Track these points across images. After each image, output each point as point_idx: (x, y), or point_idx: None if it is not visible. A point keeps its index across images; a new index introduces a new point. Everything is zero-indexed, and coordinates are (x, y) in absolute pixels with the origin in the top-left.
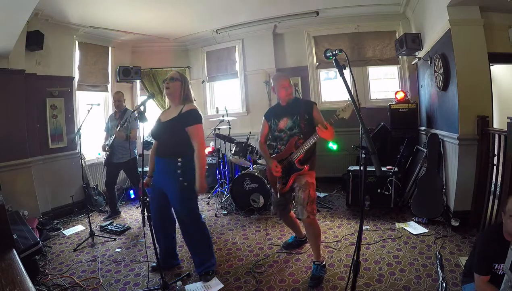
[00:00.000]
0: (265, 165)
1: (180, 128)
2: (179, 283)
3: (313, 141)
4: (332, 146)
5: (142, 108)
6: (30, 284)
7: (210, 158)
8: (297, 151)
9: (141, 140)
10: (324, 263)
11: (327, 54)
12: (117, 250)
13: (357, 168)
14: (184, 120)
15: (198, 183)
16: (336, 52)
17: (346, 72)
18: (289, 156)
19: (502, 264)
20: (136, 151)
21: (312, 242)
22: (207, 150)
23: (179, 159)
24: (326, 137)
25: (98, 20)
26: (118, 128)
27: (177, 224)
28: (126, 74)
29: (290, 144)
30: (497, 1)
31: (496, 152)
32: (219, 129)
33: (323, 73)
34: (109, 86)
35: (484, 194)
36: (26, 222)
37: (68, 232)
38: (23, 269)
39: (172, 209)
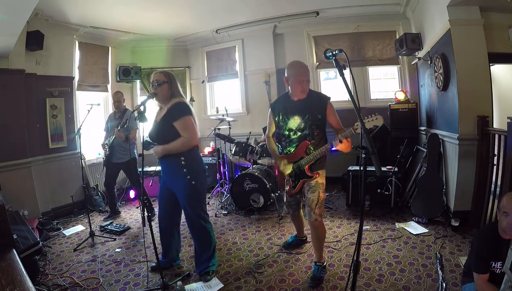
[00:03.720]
0: (265, 164)
1: (169, 126)
2: (179, 283)
3: (325, 151)
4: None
5: (142, 108)
6: (30, 284)
7: (210, 158)
8: (308, 157)
9: (141, 141)
10: (325, 264)
11: (327, 54)
12: (117, 250)
13: (357, 168)
14: (170, 116)
15: (160, 148)
16: (336, 52)
17: (346, 72)
18: (298, 160)
19: (499, 262)
20: (136, 151)
21: (315, 243)
22: (207, 149)
23: (182, 157)
24: (341, 149)
25: (98, 20)
26: (118, 128)
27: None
28: (126, 74)
29: (300, 148)
30: (497, 1)
31: (496, 152)
32: (219, 129)
33: (323, 73)
34: (109, 86)
35: (484, 194)
36: (26, 222)
37: (68, 232)
38: (23, 269)
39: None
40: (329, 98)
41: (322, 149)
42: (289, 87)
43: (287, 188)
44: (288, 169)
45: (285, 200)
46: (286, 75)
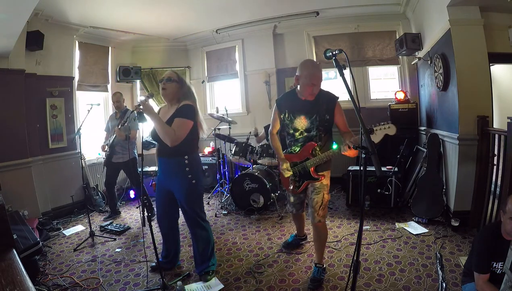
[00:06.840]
0: (265, 164)
1: None
2: (179, 283)
3: (331, 155)
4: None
5: (141, 107)
6: (30, 284)
7: (210, 158)
8: (314, 159)
9: (141, 140)
10: (325, 266)
11: (327, 54)
12: (117, 250)
13: (357, 168)
14: (177, 114)
15: (154, 114)
16: (336, 52)
17: (346, 72)
18: (304, 160)
19: (500, 263)
20: (135, 151)
21: (317, 245)
22: (207, 149)
23: (186, 157)
24: (349, 155)
25: (98, 20)
26: (119, 127)
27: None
28: (126, 74)
29: (306, 149)
30: (497, 1)
31: (496, 152)
32: (219, 129)
33: (323, 73)
34: (109, 86)
35: (484, 194)
36: (26, 222)
37: (68, 232)
38: (23, 269)
39: (179, 207)
40: (337, 97)
41: (329, 153)
42: (298, 86)
43: (290, 187)
44: (288, 173)
45: (289, 200)
46: (297, 73)
